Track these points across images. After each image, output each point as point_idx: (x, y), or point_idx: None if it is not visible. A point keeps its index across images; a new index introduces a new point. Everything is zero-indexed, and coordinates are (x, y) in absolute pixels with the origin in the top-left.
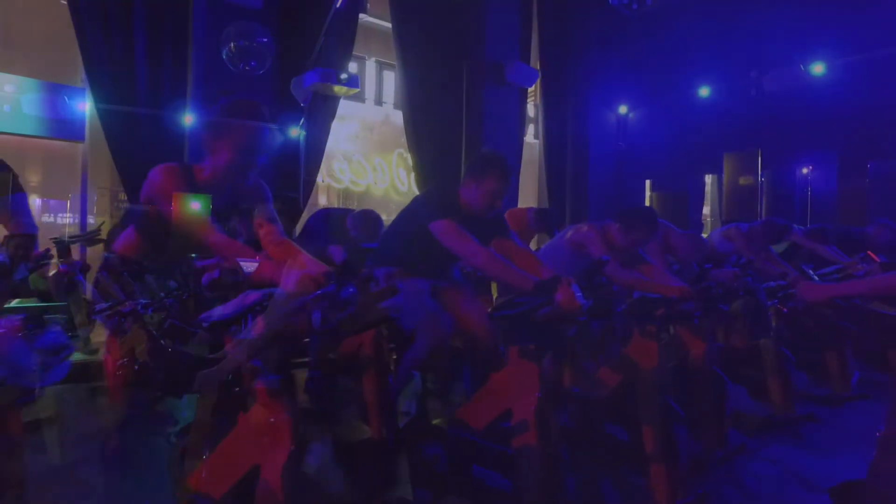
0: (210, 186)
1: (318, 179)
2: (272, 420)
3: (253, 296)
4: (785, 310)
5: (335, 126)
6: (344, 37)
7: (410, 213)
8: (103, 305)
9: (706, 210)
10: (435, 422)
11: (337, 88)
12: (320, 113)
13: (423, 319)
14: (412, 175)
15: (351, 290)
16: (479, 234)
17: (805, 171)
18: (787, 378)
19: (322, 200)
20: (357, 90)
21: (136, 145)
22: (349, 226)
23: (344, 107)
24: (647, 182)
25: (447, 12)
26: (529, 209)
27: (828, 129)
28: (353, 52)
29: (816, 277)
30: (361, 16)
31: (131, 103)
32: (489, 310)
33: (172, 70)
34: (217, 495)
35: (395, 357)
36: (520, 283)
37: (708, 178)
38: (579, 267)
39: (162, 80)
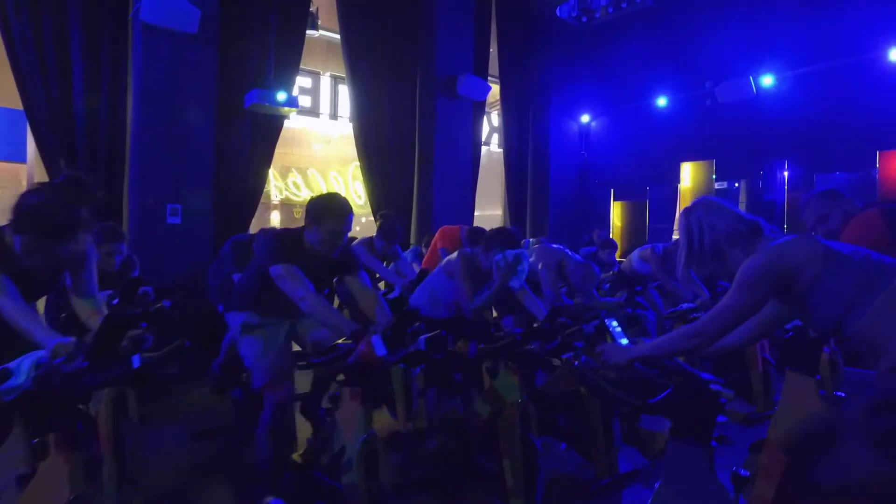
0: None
1: (275, 195)
2: (60, 468)
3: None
4: (576, 363)
5: (291, 140)
6: (290, 54)
7: (257, 257)
8: None
9: None
10: (294, 456)
11: (285, 109)
12: (262, 131)
13: (267, 377)
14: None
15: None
16: (325, 274)
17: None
18: None
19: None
20: (296, 109)
21: (74, 169)
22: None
23: (299, 121)
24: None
25: (397, 26)
26: (462, 227)
27: (778, 141)
28: (309, 68)
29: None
30: (318, 32)
31: (69, 127)
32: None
33: (110, 94)
34: None
35: None
36: (339, 329)
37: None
38: (450, 294)
39: (100, 104)
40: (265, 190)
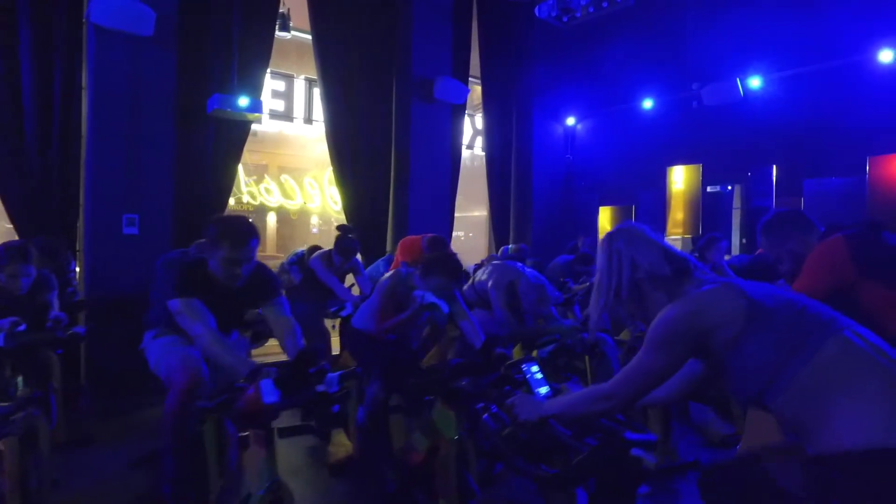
0: None
1: (247, 200)
2: None
3: None
4: (484, 416)
5: (264, 144)
6: (257, 57)
7: (161, 286)
8: None
9: None
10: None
11: (249, 115)
12: (227, 138)
13: (172, 365)
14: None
15: None
16: (233, 304)
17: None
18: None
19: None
20: (260, 115)
21: (25, 186)
22: None
23: (272, 125)
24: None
25: (371, 27)
26: (423, 237)
27: (766, 145)
28: (282, 70)
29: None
30: (290, 34)
31: (19, 134)
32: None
33: (64, 99)
34: None
35: None
36: (235, 369)
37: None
38: (388, 313)
39: (52, 110)
40: (254, 196)
